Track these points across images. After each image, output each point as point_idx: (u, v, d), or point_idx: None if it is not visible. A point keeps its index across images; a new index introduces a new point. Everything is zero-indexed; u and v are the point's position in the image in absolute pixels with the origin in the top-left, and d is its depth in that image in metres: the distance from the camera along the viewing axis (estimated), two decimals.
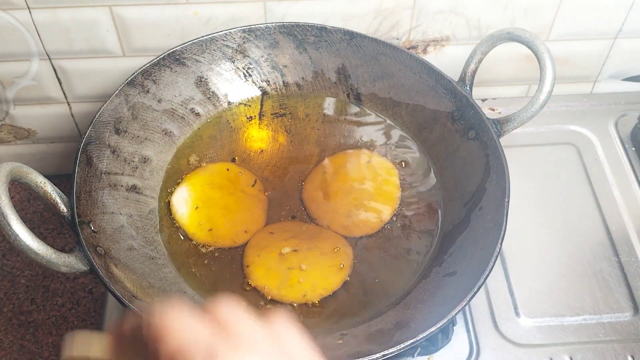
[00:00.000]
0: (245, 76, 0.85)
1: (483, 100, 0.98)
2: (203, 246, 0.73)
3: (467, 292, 0.63)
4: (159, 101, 0.79)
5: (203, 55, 0.81)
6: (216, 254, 0.73)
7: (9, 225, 0.55)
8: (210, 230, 0.74)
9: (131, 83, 0.76)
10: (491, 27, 0.89)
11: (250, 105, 0.85)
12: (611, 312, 0.76)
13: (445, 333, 0.74)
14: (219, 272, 0.72)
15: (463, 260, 0.70)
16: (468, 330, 0.75)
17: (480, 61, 0.76)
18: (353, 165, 0.80)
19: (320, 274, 0.71)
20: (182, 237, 0.73)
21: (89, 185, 0.69)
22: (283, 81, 0.86)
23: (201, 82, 0.83)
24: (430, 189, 0.78)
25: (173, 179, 0.78)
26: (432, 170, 0.80)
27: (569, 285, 0.78)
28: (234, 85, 0.85)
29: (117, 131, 0.75)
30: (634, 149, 0.92)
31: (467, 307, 0.77)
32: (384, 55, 0.82)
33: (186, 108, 0.82)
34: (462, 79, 0.77)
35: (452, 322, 0.75)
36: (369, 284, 0.71)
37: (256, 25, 0.82)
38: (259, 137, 0.82)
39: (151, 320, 0.37)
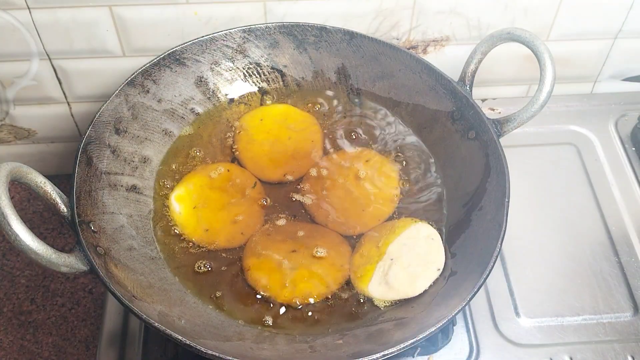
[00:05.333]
0: (245, 76, 0.85)
1: (483, 100, 0.98)
2: (201, 247, 0.73)
3: (467, 292, 0.63)
4: (159, 101, 0.80)
5: (203, 55, 0.81)
6: (215, 256, 0.73)
7: (9, 225, 0.55)
8: (207, 230, 0.74)
9: (131, 83, 0.76)
10: (491, 27, 0.89)
11: (250, 105, 0.85)
12: (611, 312, 0.76)
13: (445, 333, 0.74)
14: (218, 274, 0.72)
15: (463, 260, 0.70)
16: (468, 330, 0.75)
17: (480, 61, 0.76)
18: (352, 164, 0.80)
19: (320, 273, 0.71)
20: (180, 238, 0.73)
21: (89, 185, 0.69)
22: (283, 81, 0.86)
23: (201, 82, 0.83)
24: (429, 189, 0.78)
25: (173, 179, 0.78)
26: (432, 170, 0.80)
27: (569, 285, 0.78)
28: (234, 85, 0.85)
29: (117, 131, 0.75)
30: (634, 149, 0.92)
31: (467, 307, 0.77)
32: (384, 55, 0.82)
33: (186, 108, 0.82)
34: (462, 79, 0.77)
35: (452, 322, 0.75)
36: None
37: (256, 25, 0.82)
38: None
39: None
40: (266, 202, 0.77)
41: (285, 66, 0.85)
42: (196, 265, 0.72)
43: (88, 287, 0.97)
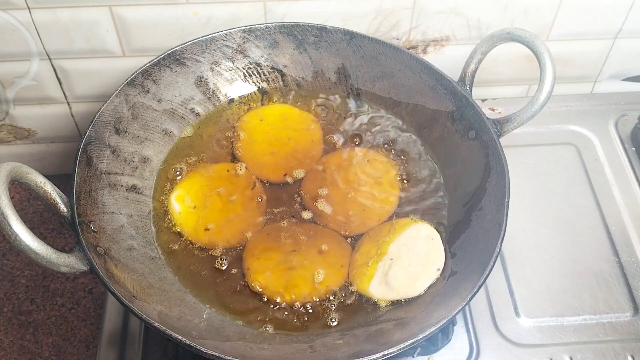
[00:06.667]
0: (245, 76, 0.85)
1: (483, 100, 0.98)
2: (201, 247, 0.73)
3: (467, 292, 0.63)
4: (159, 101, 0.80)
5: (203, 55, 0.81)
6: (215, 256, 0.73)
7: (9, 225, 0.55)
8: (207, 230, 0.74)
9: (131, 83, 0.76)
10: (491, 27, 0.89)
11: (250, 105, 0.85)
12: (611, 312, 0.76)
13: (445, 333, 0.74)
14: (218, 274, 0.72)
15: (463, 260, 0.70)
16: (468, 330, 0.75)
17: (480, 61, 0.76)
18: (352, 164, 0.80)
19: (320, 273, 0.71)
20: (180, 238, 0.73)
21: (89, 185, 0.69)
22: (283, 81, 0.86)
23: (201, 82, 0.83)
24: (429, 189, 0.78)
25: (173, 179, 0.78)
26: (431, 170, 0.80)
27: (569, 285, 0.78)
28: (234, 85, 0.85)
29: (117, 131, 0.75)
30: (634, 149, 0.92)
31: (467, 307, 0.77)
32: (384, 55, 0.82)
33: (186, 108, 0.82)
34: (462, 79, 0.77)
35: (452, 322, 0.75)
36: None
37: (256, 25, 0.82)
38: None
39: None
40: (266, 202, 0.77)
41: (285, 66, 0.85)
42: (196, 265, 0.72)
43: (88, 287, 0.97)
